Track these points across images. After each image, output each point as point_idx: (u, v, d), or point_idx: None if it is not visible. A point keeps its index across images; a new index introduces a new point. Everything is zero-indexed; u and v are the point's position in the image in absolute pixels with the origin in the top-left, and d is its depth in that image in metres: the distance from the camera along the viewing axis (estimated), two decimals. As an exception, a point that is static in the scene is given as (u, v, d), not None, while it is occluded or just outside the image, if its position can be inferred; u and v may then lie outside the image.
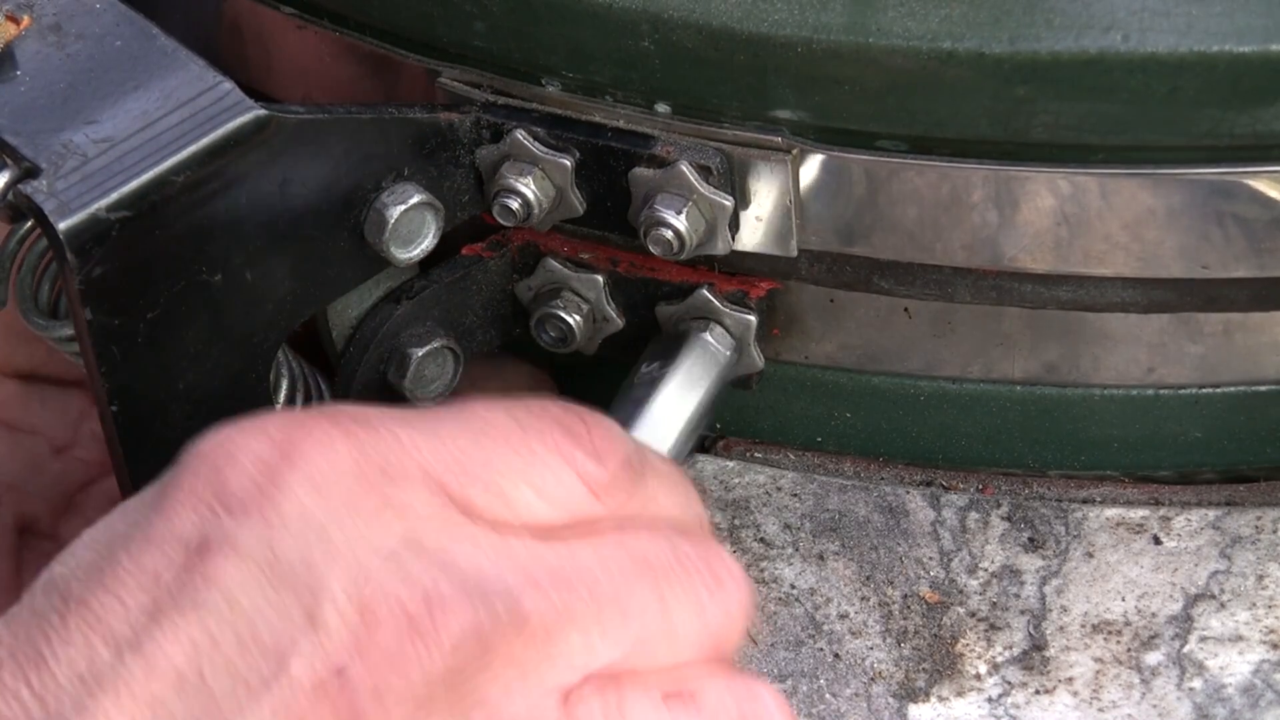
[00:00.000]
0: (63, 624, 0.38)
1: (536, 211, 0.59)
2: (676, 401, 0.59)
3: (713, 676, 0.44)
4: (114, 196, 0.51)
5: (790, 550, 0.61)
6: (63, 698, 0.37)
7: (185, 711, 0.37)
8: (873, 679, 0.58)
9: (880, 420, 0.64)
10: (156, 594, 0.38)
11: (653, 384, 0.59)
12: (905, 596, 0.60)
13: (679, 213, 0.57)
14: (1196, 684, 0.57)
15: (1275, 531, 0.61)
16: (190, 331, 0.54)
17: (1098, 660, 0.58)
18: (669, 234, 0.58)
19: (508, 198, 0.59)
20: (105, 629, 0.37)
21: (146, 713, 0.36)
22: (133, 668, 0.37)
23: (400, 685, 0.38)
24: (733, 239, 0.59)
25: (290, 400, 0.59)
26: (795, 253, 0.59)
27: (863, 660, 0.58)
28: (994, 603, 0.59)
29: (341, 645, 0.38)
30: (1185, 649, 0.58)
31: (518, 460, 0.43)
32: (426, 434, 0.43)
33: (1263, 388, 0.62)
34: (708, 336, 0.61)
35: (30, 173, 0.52)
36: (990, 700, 0.57)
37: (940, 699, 0.57)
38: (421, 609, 0.39)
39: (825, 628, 0.59)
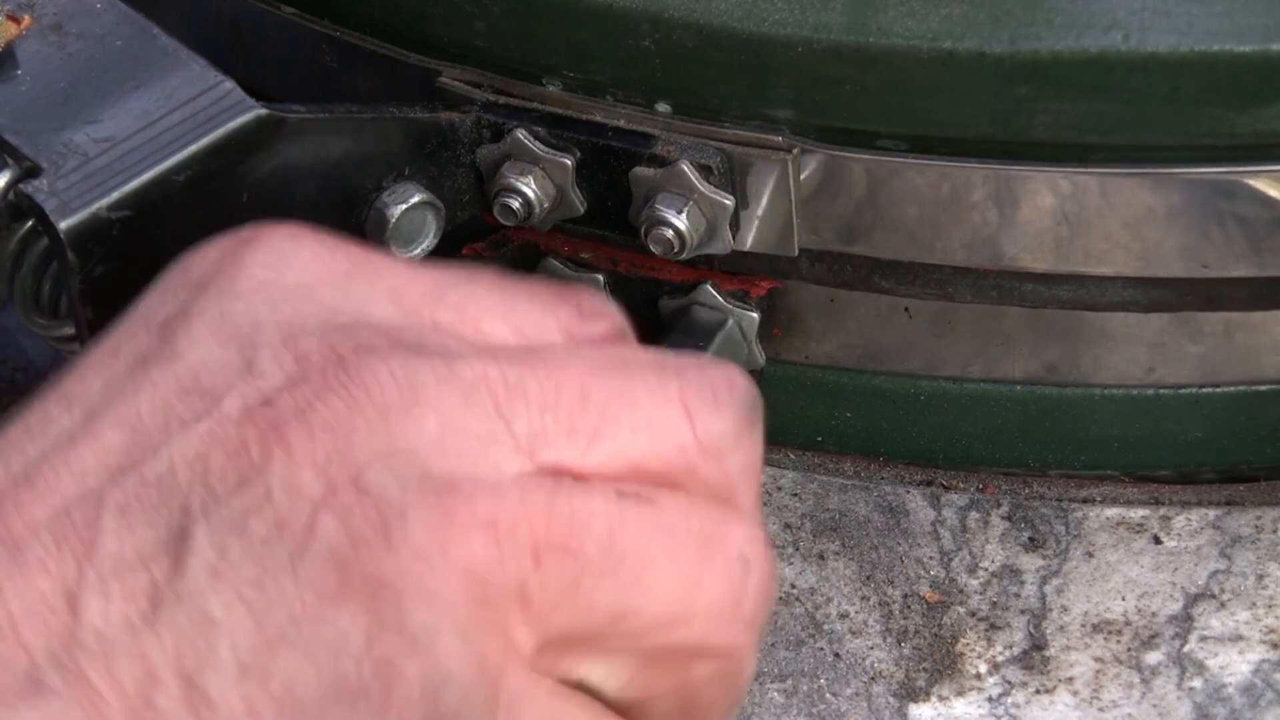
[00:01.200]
0: (41, 402, 0.42)
1: (537, 211, 0.59)
2: None
3: (679, 491, 0.42)
4: (115, 196, 0.51)
5: (790, 550, 0.61)
6: (26, 459, 0.40)
7: (122, 450, 0.40)
8: (873, 678, 0.58)
9: (880, 420, 0.64)
10: (118, 367, 0.41)
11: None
12: (905, 596, 0.60)
13: (680, 212, 0.57)
14: (1196, 683, 0.57)
15: (1275, 531, 0.61)
16: (191, 331, 0.54)
17: (1098, 660, 0.58)
18: (669, 233, 0.58)
19: (508, 197, 0.59)
20: (72, 400, 0.41)
21: (95, 459, 0.40)
22: (93, 425, 0.40)
23: (325, 412, 0.39)
24: (733, 238, 0.59)
25: None
26: (796, 252, 0.59)
27: (863, 660, 0.58)
28: (994, 602, 0.60)
29: (272, 383, 0.40)
30: (1185, 648, 0.58)
31: (498, 299, 0.44)
32: (406, 264, 0.44)
33: (1263, 388, 0.62)
34: (731, 322, 0.61)
35: (31, 172, 0.52)
36: (990, 700, 0.57)
37: (940, 698, 0.57)
38: (352, 351, 0.40)
39: (825, 627, 0.59)
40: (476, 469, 0.39)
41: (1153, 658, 0.58)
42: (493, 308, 0.43)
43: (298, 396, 0.39)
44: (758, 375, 0.63)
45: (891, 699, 0.57)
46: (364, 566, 0.38)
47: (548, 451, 0.40)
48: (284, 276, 0.42)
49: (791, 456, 0.65)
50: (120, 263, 0.51)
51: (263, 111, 0.53)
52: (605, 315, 0.45)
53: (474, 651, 0.39)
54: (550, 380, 0.41)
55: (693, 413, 0.42)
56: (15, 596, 0.38)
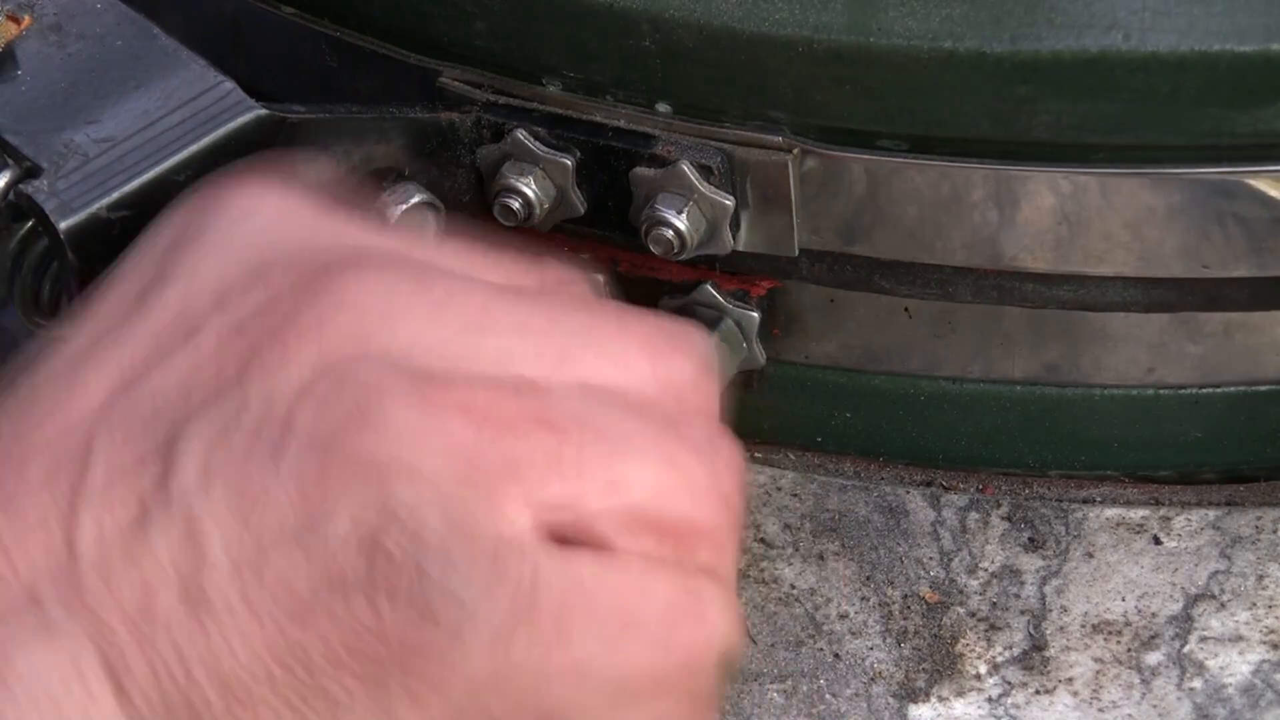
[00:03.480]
0: (62, 328, 0.44)
1: (537, 211, 0.59)
2: None
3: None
4: (115, 196, 0.51)
5: (790, 550, 0.61)
6: (35, 381, 0.43)
7: (118, 376, 0.42)
8: (873, 679, 0.58)
9: (880, 420, 0.64)
10: (111, 320, 0.43)
11: None
12: (905, 596, 0.60)
13: (680, 212, 0.57)
14: (1196, 684, 0.57)
15: (1275, 531, 0.61)
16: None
17: (1098, 660, 0.58)
18: (670, 234, 0.58)
19: (508, 197, 0.59)
20: (83, 327, 0.44)
21: (96, 383, 0.42)
22: (80, 373, 0.42)
23: (300, 319, 0.41)
24: (733, 238, 0.59)
25: None
26: (796, 252, 0.59)
27: (863, 660, 0.58)
28: (994, 603, 0.60)
29: (245, 313, 0.42)
30: (1185, 649, 0.58)
31: (483, 251, 0.45)
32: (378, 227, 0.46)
33: (1263, 388, 0.62)
34: (723, 327, 0.61)
35: (31, 172, 0.52)
36: (990, 700, 0.57)
37: (940, 699, 0.57)
38: (330, 264, 0.42)
39: (825, 628, 0.59)
40: (450, 365, 0.41)
41: (1153, 658, 0.58)
42: (475, 257, 0.45)
43: (267, 321, 0.41)
44: (757, 375, 0.63)
45: (891, 699, 0.57)
46: (344, 448, 0.39)
47: (515, 366, 0.41)
48: (263, 223, 0.44)
49: (791, 457, 0.65)
50: (121, 263, 0.51)
51: (263, 111, 0.53)
52: (576, 278, 0.47)
53: (461, 527, 0.39)
54: (518, 310, 0.42)
55: (653, 352, 0.44)
56: (8, 525, 0.40)
